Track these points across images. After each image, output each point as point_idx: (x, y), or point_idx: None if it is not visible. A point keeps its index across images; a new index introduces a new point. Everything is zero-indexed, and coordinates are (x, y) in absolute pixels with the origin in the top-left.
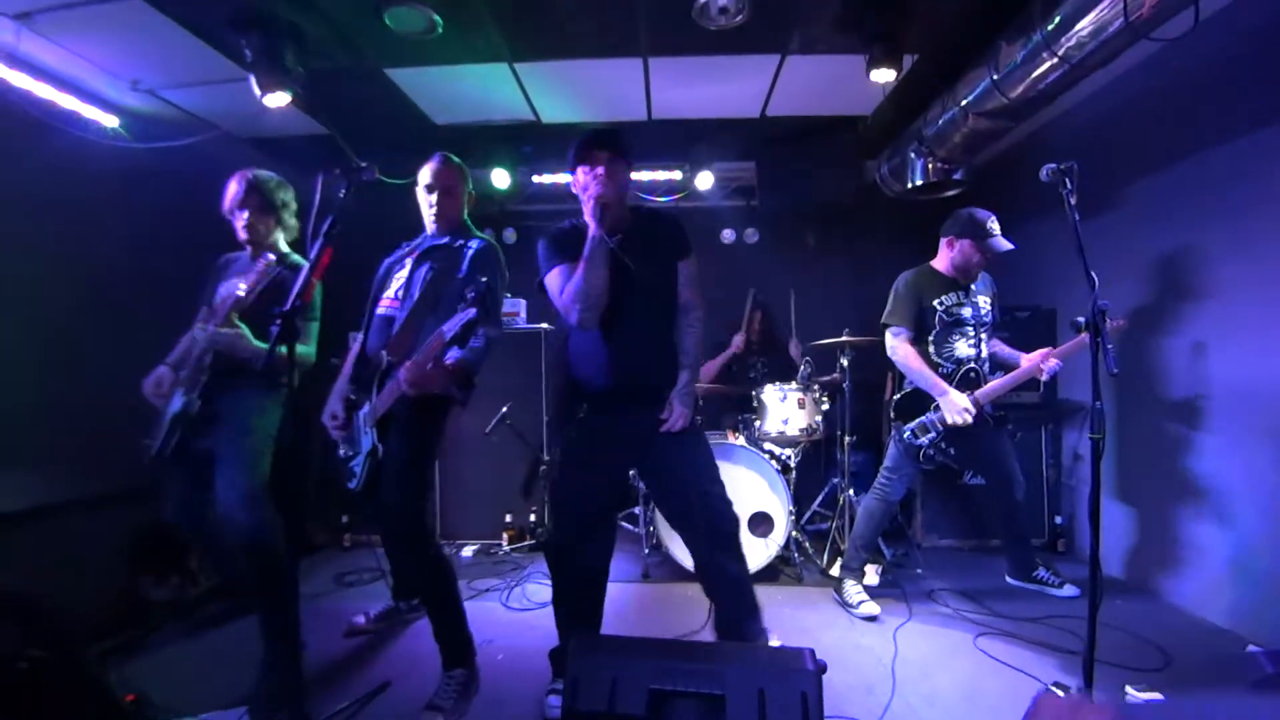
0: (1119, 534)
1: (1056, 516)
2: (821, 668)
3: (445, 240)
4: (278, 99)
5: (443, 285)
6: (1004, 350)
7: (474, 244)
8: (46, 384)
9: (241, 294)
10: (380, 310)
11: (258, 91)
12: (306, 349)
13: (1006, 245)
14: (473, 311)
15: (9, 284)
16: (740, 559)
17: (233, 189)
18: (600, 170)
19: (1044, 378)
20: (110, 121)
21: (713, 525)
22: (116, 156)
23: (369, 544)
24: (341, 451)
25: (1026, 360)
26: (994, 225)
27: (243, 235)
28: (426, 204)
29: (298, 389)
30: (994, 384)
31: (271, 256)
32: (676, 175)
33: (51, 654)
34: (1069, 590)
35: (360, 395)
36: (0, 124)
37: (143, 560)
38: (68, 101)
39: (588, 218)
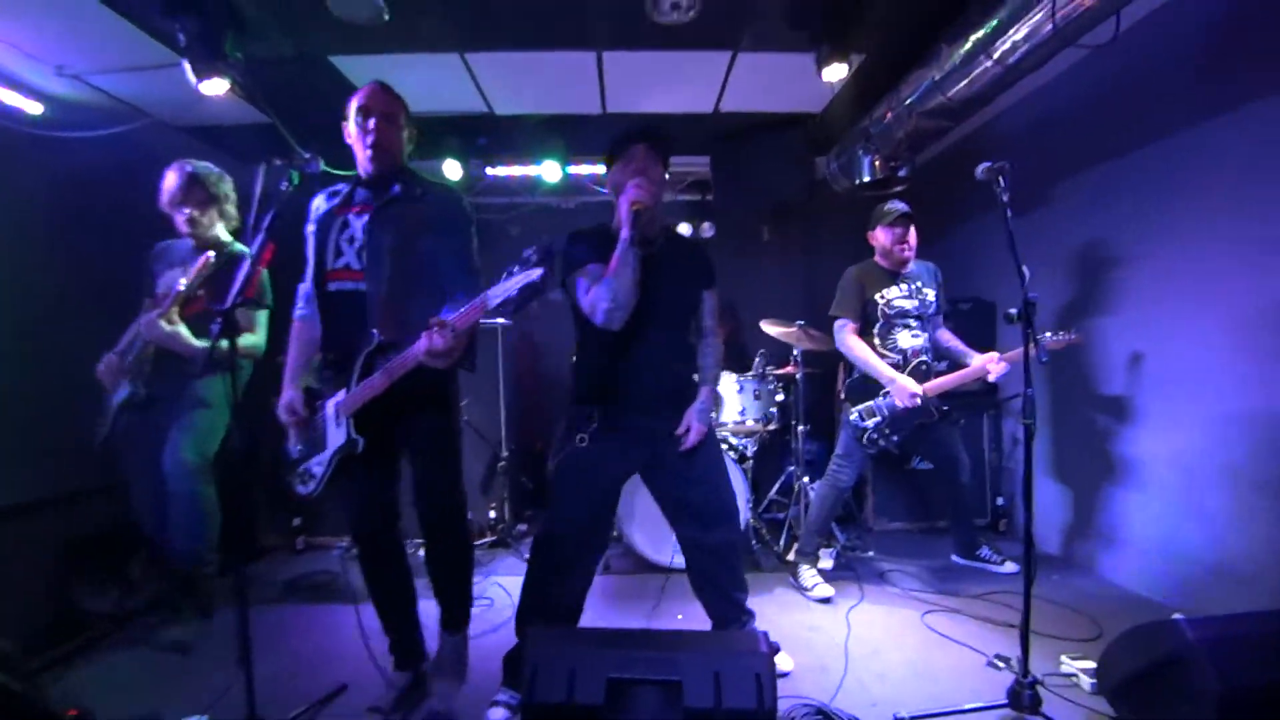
0: (1055, 513)
1: (998, 498)
2: (774, 649)
3: (398, 189)
4: (215, 86)
5: (420, 246)
6: (955, 345)
7: (442, 194)
8: None
9: (182, 287)
10: (342, 285)
11: (193, 79)
12: (255, 339)
13: (899, 205)
14: (538, 272)
15: None
16: (736, 570)
17: (170, 181)
18: (635, 168)
19: (992, 379)
20: (34, 109)
21: (713, 539)
22: (42, 145)
23: (324, 547)
24: (295, 451)
25: (976, 360)
26: (891, 204)
27: (184, 229)
28: (361, 135)
29: (250, 383)
30: (943, 380)
31: (211, 253)
32: None
33: None
34: (1010, 567)
35: (326, 385)
36: None
37: (79, 569)
38: None
39: (622, 221)
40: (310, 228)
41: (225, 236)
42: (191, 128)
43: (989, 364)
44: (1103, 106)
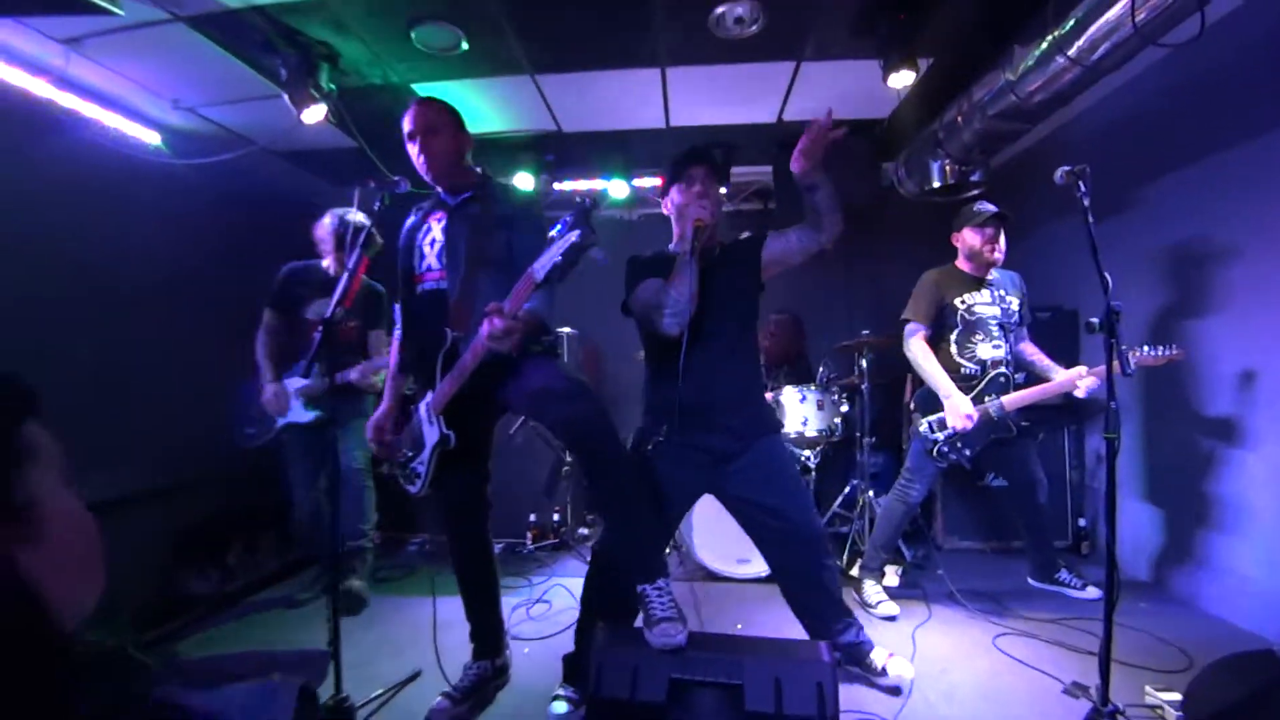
0: (1144, 536)
1: (1080, 519)
2: (837, 660)
3: (467, 194)
4: (313, 114)
5: (494, 244)
6: (1040, 360)
7: (516, 195)
8: (89, 386)
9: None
10: (425, 285)
11: (293, 109)
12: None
13: (989, 207)
14: (575, 234)
15: (61, 292)
16: (833, 592)
17: (325, 226)
18: (698, 189)
19: (1081, 394)
20: (152, 138)
21: (793, 553)
22: (159, 172)
23: (400, 541)
24: (401, 455)
25: (1060, 375)
26: (980, 205)
27: (333, 268)
28: (414, 156)
29: None
30: (1023, 393)
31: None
32: None
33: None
34: (1091, 592)
35: (418, 387)
36: (52, 142)
37: (184, 555)
38: (111, 119)
39: (681, 238)
40: (401, 243)
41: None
42: (292, 153)
43: (1076, 379)
44: (1189, 104)
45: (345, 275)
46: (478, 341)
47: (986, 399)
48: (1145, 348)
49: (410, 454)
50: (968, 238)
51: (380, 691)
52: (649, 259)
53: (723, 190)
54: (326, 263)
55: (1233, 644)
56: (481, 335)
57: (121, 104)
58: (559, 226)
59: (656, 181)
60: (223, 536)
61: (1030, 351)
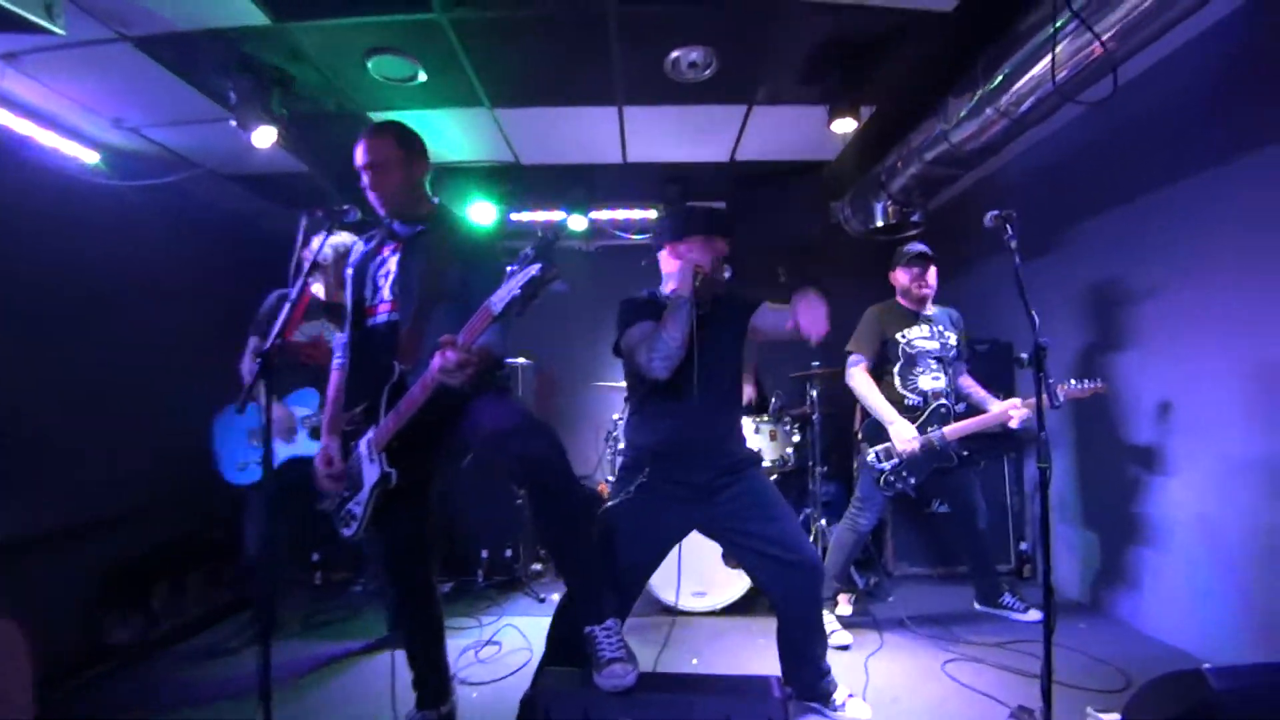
0: (1079, 559)
1: (1021, 543)
2: (788, 695)
3: (422, 227)
4: (263, 136)
5: (448, 277)
6: (976, 392)
7: (472, 229)
8: (7, 413)
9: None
10: (377, 319)
11: (243, 132)
12: None
13: (915, 247)
14: (535, 267)
15: None
16: (823, 635)
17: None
18: (702, 247)
19: (1013, 425)
20: (90, 158)
21: (795, 582)
22: (98, 192)
23: (342, 583)
24: (329, 500)
25: (996, 407)
26: (909, 246)
27: (320, 295)
28: (366, 189)
29: None
30: (963, 424)
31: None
32: (651, 214)
33: None
34: (1034, 615)
35: (360, 422)
36: None
37: (107, 599)
38: (46, 137)
39: (678, 282)
40: (348, 271)
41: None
42: (240, 176)
43: (1010, 409)
44: (1108, 154)
45: (287, 305)
46: (428, 374)
47: (929, 429)
48: (1072, 381)
49: (347, 494)
50: (899, 277)
51: None
52: (642, 301)
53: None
54: (318, 288)
55: (1165, 662)
56: (433, 368)
57: (59, 122)
58: (519, 259)
59: (613, 215)
60: (147, 578)
61: (968, 384)
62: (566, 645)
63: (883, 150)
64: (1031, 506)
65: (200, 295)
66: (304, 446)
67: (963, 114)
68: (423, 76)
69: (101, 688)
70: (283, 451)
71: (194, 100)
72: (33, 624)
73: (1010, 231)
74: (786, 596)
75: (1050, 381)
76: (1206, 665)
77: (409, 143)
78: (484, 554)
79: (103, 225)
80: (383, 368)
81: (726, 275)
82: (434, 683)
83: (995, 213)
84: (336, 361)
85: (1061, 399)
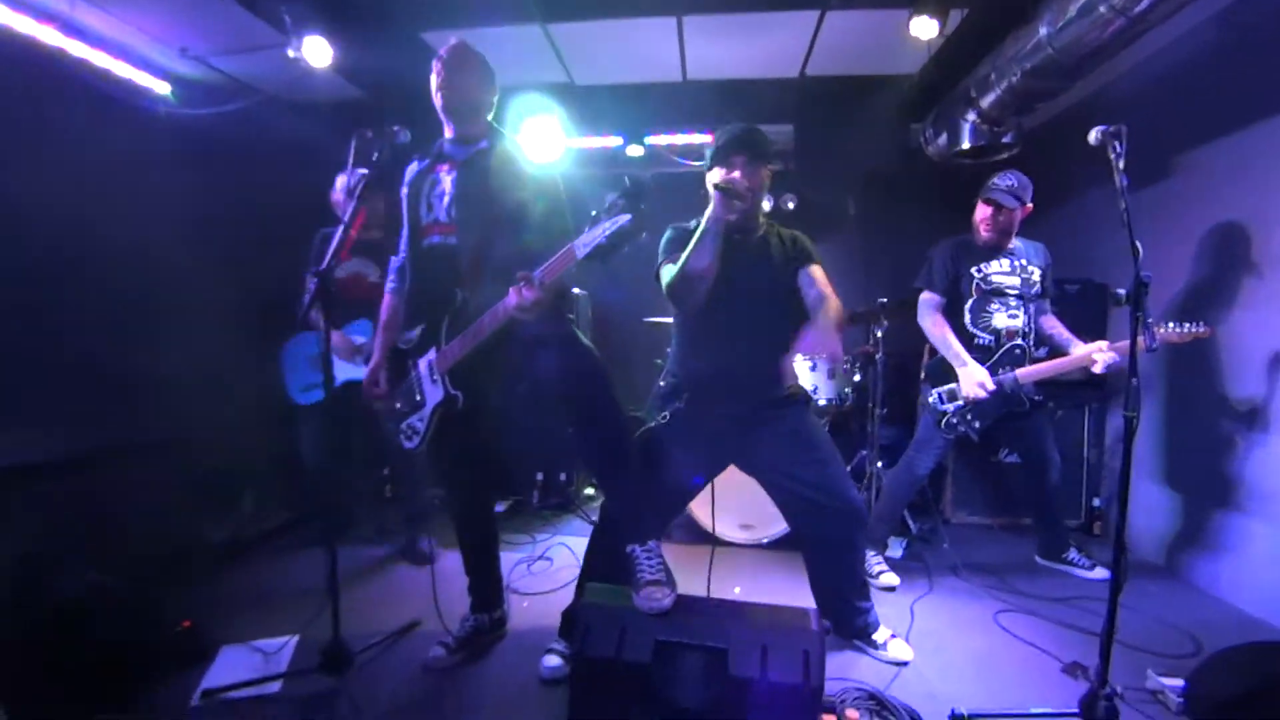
0: (1161, 520)
1: (1095, 499)
2: (826, 629)
3: (484, 144)
4: (318, 57)
5: (509, 200)
6: (1060, 333)
7: (513, 148)
8: (105, 334)
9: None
10: (432, 239)
11: (297, 54)
12: None
13: (1006, 180)
14: (625, 218)
15: (74, 249)
16: (859, 573)
17: (341, 183)
18: (736, 175)
19: (1098, 370)
20: (163, 88)
21: (827, 526)
22: (172, 121)
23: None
24: (399, 410)
25: (1079, 349)
26: (1001, 178)
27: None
28: (436, 83)
29: None
30: (1038, 367)
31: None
32: (711, 140)
33: (114, 581)
34: (1100, 573)
35: (417, 342)
36: (62, 94)
37: (202, 502)
38: (123, 69)
39: (713, 202)
40: (404, 190)
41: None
42: (298, 103)
43: (1095, 353)
44: (1241, 65)
45: (341, 228)
46: (501, 308)
47: (1001, 370)
48: (1171, 324)
49: (406, 410)
50: (978, 208)
51: (379, 638)
52: (687, 230)
53: (767, 170)
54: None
55: (1243, 632)
56: (509, 304)
57: (130, 53)
58: (607, 205)
59: (671, 140)
60: (236, 486)
61: (1051, 325)
62: (606, 560)
63: (974, 60)
64: (1111, 460)
65: (270, 222)
66: (362, 371)
67: (1071, 14)
68: None
69: (201, 579)
70: (344, 373)
71: (254, 26)
72: (139, 522)
73: (1118, 149)
74: (823, 541)
75: (1149, 321)
76: None
77: (485, 67)
78: (539, 476)
79: (178, 153)
80: (442, 291)
81: (791, 205)
82: (487, 589)
83: (1103, 128)
84: (390, 284)
85: (1158, 342)
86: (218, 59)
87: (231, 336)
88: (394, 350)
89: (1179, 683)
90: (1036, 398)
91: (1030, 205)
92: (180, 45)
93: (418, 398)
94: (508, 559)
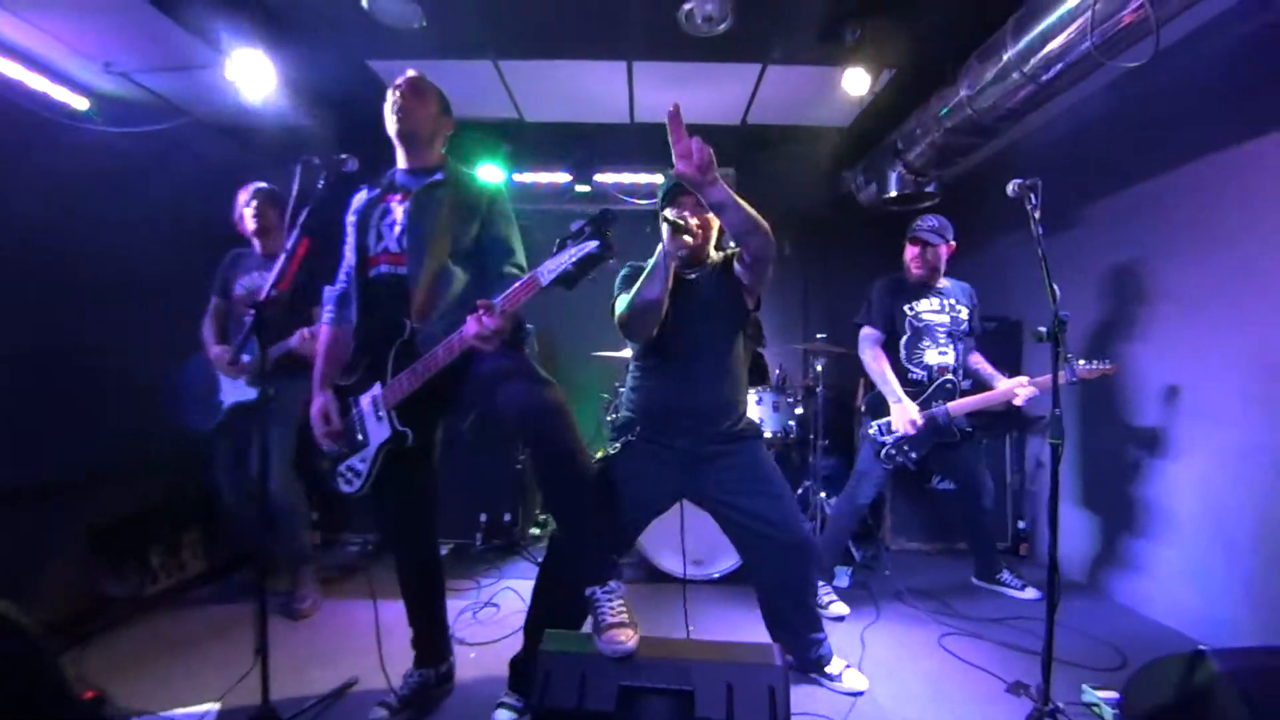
0: (1079, 540)
1: (1020, 521)
2: (789, 664)
3: (439, 175)
4: (255, 87)
5: (462, 231)
6: (984, 369)
7: (484, 184)
8: (9, 367)
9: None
10: (380, 269)
11: (233, 75)
12: None
13: (928, 222)
14: (593, 244)
15: None
16: (810, 607)
17: (243, 199)
18: (685, 213)
19: (1018, 403)
20: (80, 104)
21: (778, 561)
22: (87, 139)
23: (342, 543)
24: (332, 449)
25: (1003, 384)
26: (923, 220)
27: (256, 244)
28: (391, 108)
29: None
30: (966, 400)
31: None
32: (658, 179)
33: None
34: (1030, 593)
35: (359, 378)
36: None
37: (101, 553)
38: (37, 82)
39: (665, 238)
40: (350, 218)
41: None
42: (229, 127)
43: (1017, 387)
44: (1139, 125)
45: (283, 256)
46: (457, 338)
47: (933, 404)
48: (1082, 361)
49: (345, 450)
50: (907, 248)
51: (313, 701)
52: (642, 267)
53: (708, 220)
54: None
55: (1163, 644)
56: (467, 332)
57: (50, 66)
58: (573, 232)
59: (619, 178)
60: (145, 534)
61: (977, 361)
62: (556, 605)
63: (900, 116)
64: (1032, 485)
65: (189, 246)
66: (244, 392)
67: (988, 78)
68: (424, 21)
69: (101, 640)
70: (232, 395)
71: (186, 43)
72: (29, 574)
73: (1034, 201)
74: (775, 574)
75: (1069, 356)
76: (1204, 646)
77: (443, 99)
78: (483, 517)
79: (91, 172)
80: (389, 323)
81: (732, 246)
82: (433, 641)
83: (1020, 181)
84: (327, 314)
85: (1076, 376)
86: (144, 76)
87: (144, 368)
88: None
89: (1113, 694)
90: (967, 429)
91: (953, 244)
92: (104, 59)
93: (359, 437)
94: (452, 606)
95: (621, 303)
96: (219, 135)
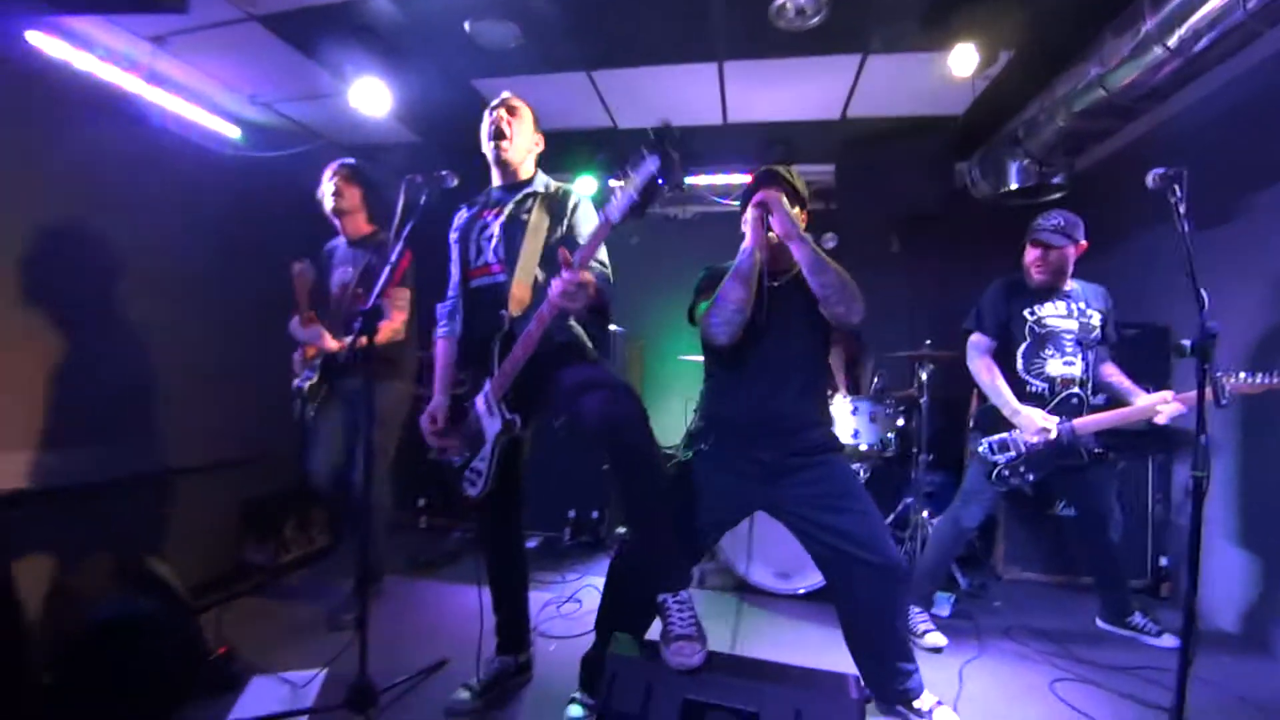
0: (1235, 584)
1: (1161, 557)
2: (866, 697)
3: (530, 188)
4: (375, 105)
5: (553, 238)
6: (1120, 382)
7: (573, 193)
8: (163, 365)
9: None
10: (481, 280)
11: (356, 101)
12: (395, 326)
13: (1052, 220)
14: (655, 162)
15: (146, 278)
16: (900, 632)
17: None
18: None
19: (1161, 421)
20: (233, 132)
21: (860, 582)
22: (241, 164)
23: (445, 529)
24: (455, 459)
25: (1142, 400)
26: (1046, 219)
27: (335, 222)
28: (487, 128)
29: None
30: (1096, 417)
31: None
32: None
33: (160, 605)
34: (1168, 640)
35: (472, 378)
36: (142, 137)
37: (249, 524)
38: (194, 113)
39: (749, 235)
40: (453, 235)
41: (367, 227)
42: (357, 146)
43: (1159, 404)
44: None
45: (387, 268)
46: (545, 305)
47: (1056, 420)
48: (1243, 374)
49: (469, 454)
50: (1027, 251)
51: (404, 677)
52: (722, 269)
53: (801, 212)
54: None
55: None
56: (553, 293)
57: (205, 99)
58: (632, 160)
59: (712, 180)
60: (283, 509)
61: (1111, 372)
62: (627, 604)
63: (1021, 101)
64: (1178, 517)
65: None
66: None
67: (1124, 54)
68: (521, 40)
69: (239, 603)
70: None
71: (316, 75)
72: (187, 540)
73: (1179, 194)
74: (860, 597)
75: (1217, 375)
76: None
77: (534, 119)
78: (571, 513)
79: (241, 194)
80: (491, 323)
81: (830, 244)
82: (515, 631)
83: (1161, 170)
84: (441, 330)
85: (1228, 396)
86: (283, 105)
87: (280, 366)
88: (452, 392)
89: None
90: (1096, 449)
91: (1084, 243)
92: (250, 92)
93: (477, 438)
94: (536, 599)
95: (702, 307)
96: (347, 154)
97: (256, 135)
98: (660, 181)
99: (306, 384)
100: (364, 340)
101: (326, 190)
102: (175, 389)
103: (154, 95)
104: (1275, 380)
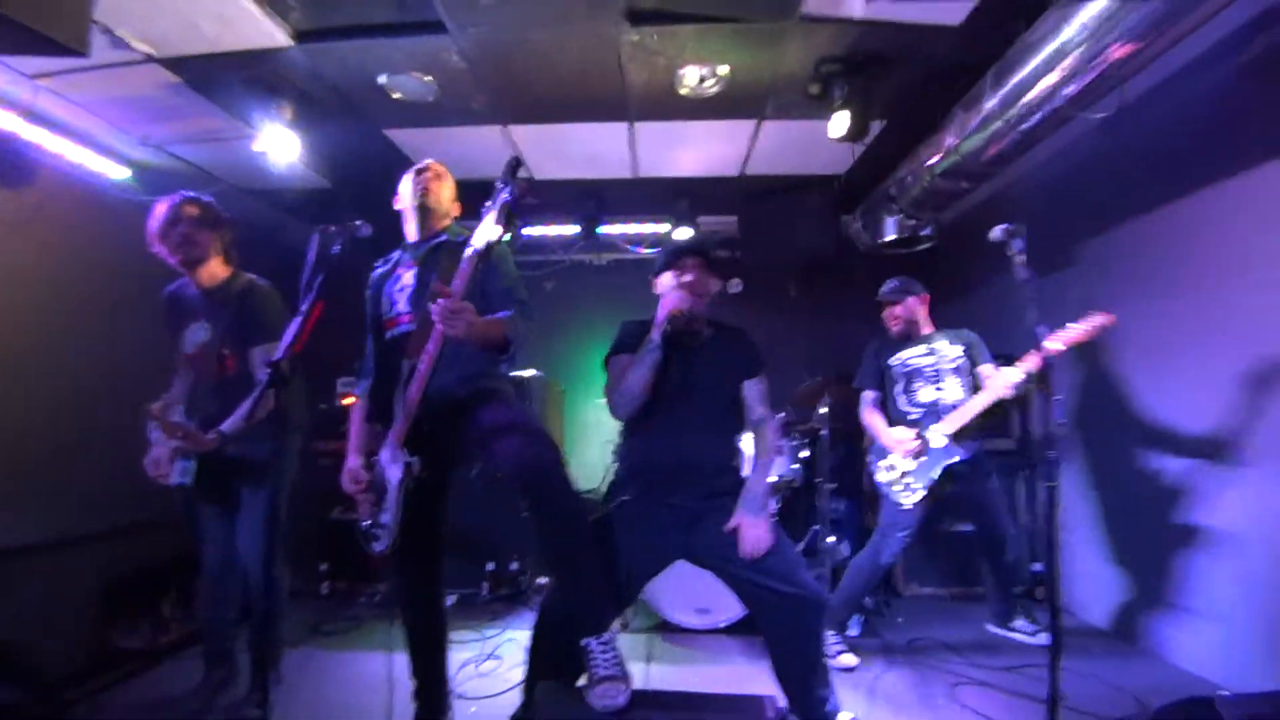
0: (1103, 583)
1: (1034, 564)
2: (781, 715)
3: (443, 237)
4: (283, 152)
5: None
6: (988, 379)
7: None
8: (25, 423)
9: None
10: (393, 331)
11: (263, 148)
12: None
13: (889, 284)
14: (506, 192)
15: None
16: (817, 660)
17: (159, 212)
18: (689, 279)
19: (1013, 393)
20: (120, 173)
21: (785, 615)
22: (127, 207)
23: (350, 594)
24: (365, 520)
25: (990, 383)
26: (887, 284)
27: (184, 271)
28: (413, 190)
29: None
30: (955, 414)
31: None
32: (662, 228)
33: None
34: (1044, 639)
35: (380, 437)
36: (18, 177)
37: (115, 606)
38: (75, 153)
39: (656, 322)
40: (367, 293)
41: (224, 271)
42: (258, 191)
43: (1001, 384)
44: (1119, 169)
45: (298, 319)
46: (429, 338)
47: (923, 430)
48: (1069, 325)
49: (376, 508)
50: (883, 311)
51: None
52: (639, 325)
53: (716, 284)
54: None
55: (1187, 692)
56: (433, 318)
57: (91, 139)
58: (492, 197)
59: (624, 229)
60: (158, 585)
61: (987, 374)
62: (553, 655)
63: (893, 164)
64: (1045, 525)
65: None
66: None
67: (973, 126)
68: (435, 95)
69: (110, 693)
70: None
71: (217, 118)
72: (42, 628)
73: (1017, 246)
74: (784, 629)
75: (1039, 330)
76: (1222, 693)
77: (452, 183)
78: (490, 566)
79: (129, 238)
80: (396, 373)
81: (736, 289)
82: (434, 695)
83: (1003, 226)
84: (356, 389)
85: (1043, 344)
86: (178, 147)
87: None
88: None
89: None
90: (966, 458)
91: (924, 294)
92: (141, 133)
93: (382, 490)
94: (454, 659)
95: (611, 380)
96: (250, 197)
97: (147, 177)
98: (512, 205)
99: (188, 479)
100: (271, 403)
101: (171, 239)
102: (30, 451)
103: (30, 133)
104: (1097, 319)
